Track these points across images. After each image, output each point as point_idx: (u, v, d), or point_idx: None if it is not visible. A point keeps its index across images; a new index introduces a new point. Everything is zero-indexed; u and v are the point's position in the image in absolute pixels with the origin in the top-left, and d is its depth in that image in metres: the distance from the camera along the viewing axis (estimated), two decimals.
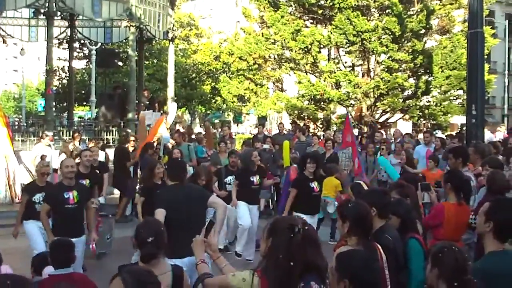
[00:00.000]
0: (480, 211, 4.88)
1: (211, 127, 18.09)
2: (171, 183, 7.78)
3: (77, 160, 11.16)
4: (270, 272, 3.95)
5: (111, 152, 17.26)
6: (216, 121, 48.69)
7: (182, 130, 19.81)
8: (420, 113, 27.89)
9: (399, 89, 27.28)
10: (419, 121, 30.57)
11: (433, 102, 28.25)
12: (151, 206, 7.69)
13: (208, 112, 50.67)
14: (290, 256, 3.87)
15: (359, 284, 3.68)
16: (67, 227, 8.67)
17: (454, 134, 19.43)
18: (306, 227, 4.05)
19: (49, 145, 16.59)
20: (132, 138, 17.00)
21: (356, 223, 5.05)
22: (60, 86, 41.84)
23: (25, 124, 25.45)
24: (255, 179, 11.87)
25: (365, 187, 7.68)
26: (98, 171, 12.15)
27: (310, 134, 21.46)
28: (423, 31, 27.57)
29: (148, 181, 10.55)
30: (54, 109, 41.67)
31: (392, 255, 5.25)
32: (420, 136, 20.63)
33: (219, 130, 21.62)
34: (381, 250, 5.09)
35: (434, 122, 28.81)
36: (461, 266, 4.07)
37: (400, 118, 30.28)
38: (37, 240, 9.53)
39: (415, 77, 27.91)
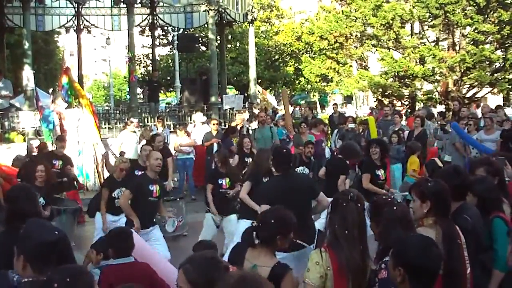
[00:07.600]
0: None
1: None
2: (276, 174, 7.57)
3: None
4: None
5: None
6: (302, 102, 48.38)
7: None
8: (510, 86, 26.82)
9: (486, 62, 26.28)
10: (509, 95, 29.45)
11: None
12: None
13: (293, 93, 50.52)
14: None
15: (415, 272, 3.50)
16: (146, 218, 8.72)
17: None
18: (395, 207, 4.54)
19: (134, 132, 16.84)
20: (214, 122, 17.08)
21: (438, 202, 4.75)
22: (146, 73, 42.68)
23: (112, 112, 26.09)
24: None
25: (441, 164, 7.32)
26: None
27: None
28: (509, 0, 26.44)
29: None
30: (142, 96, 42.87)
31: (470, 236, 4.95)
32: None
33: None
34: (460, 232, 4.83)
35: None
36: None
37: (488, 92, 29.29)
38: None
39: (502, 49, 26.83)
